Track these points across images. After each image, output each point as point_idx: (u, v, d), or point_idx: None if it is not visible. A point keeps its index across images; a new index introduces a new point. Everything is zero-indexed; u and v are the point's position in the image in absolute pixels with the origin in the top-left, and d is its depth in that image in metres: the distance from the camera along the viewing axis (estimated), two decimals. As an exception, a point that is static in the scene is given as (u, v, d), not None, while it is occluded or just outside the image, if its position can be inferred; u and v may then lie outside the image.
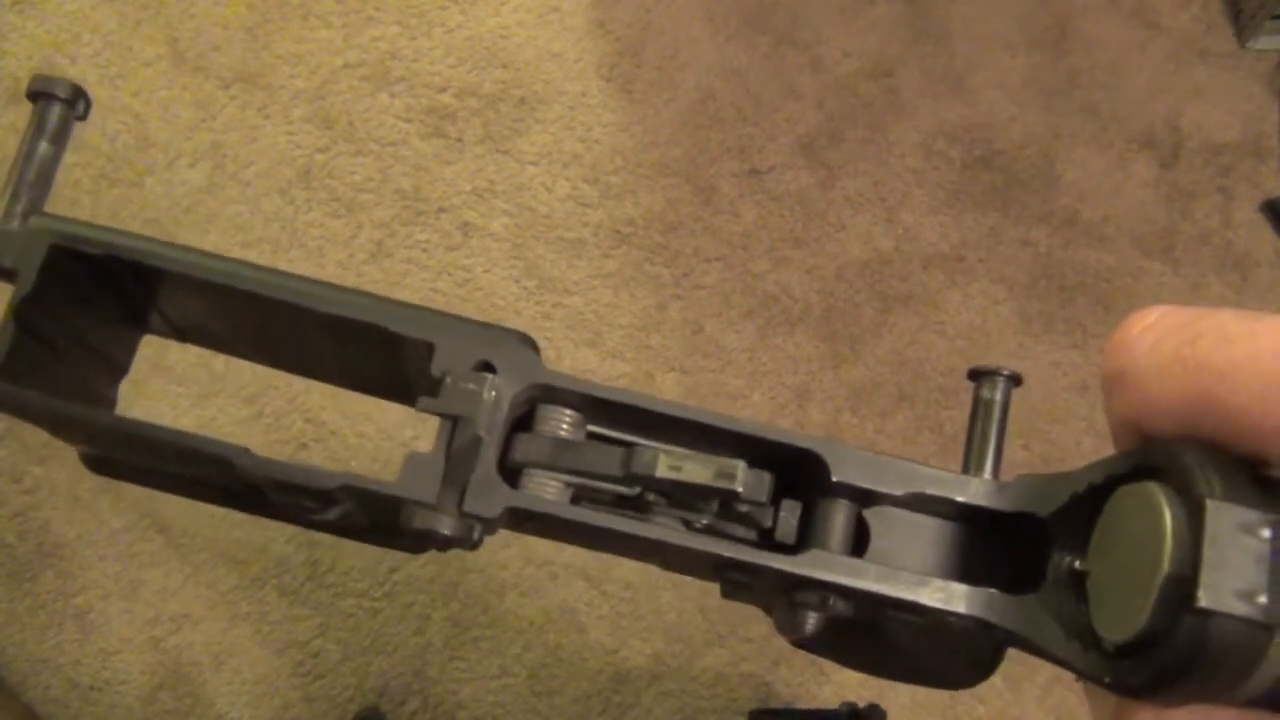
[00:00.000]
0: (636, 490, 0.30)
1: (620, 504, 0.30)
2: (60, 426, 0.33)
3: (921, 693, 1.08)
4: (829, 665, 1.09)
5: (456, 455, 0.29)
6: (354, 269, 1.18)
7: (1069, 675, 0.25)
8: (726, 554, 0.28)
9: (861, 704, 0.97)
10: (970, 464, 0.30)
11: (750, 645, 1.09)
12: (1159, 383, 0.23)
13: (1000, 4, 1.31)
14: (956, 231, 1.23)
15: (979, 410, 0.31)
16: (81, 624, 1.08)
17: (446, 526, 0.28)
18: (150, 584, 1.09)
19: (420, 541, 0.33)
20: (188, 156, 1.21)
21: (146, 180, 1.20)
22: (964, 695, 1.09)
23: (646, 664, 1.08)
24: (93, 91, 1.25)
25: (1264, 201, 1.25)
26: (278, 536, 1.10)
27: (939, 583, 0.28)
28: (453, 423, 0.29)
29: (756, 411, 1.15)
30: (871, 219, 1.23)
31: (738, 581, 0.30)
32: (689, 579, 1.13)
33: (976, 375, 0.32)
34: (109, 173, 1.20)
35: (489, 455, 0.29)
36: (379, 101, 1.24)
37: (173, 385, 1.12)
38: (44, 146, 0.32)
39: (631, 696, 1.08)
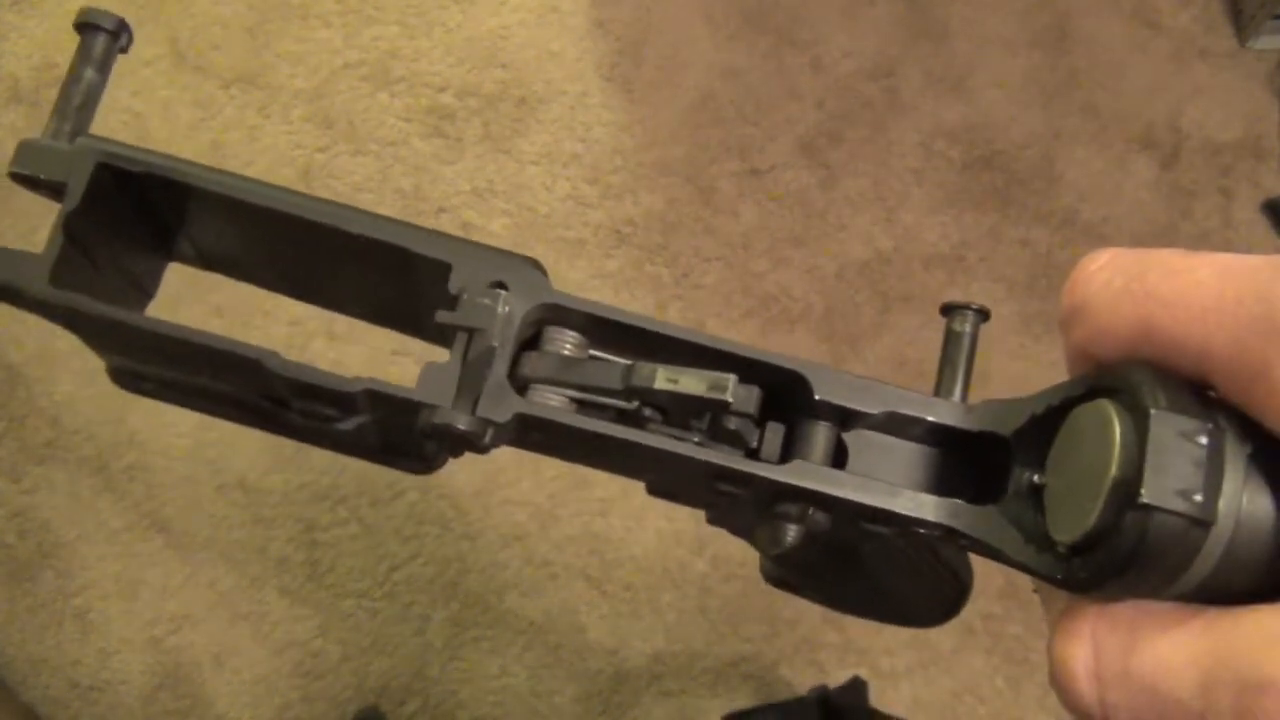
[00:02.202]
0: (635, 404, 0.32)
1: (619, 419, 0.32)
2: (99, 333, 0.35)
3: (922, 692, 1.08)
4: (829, 664, 1.09)
5: (471, 365, 0.31)
6: (354, 269, 1.18)
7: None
8: (718, 461, 0.30)
9: (840, 682, 0.96)
10: (941, 390, 0.33)
11: (750, 645, 1.09)
12: (1110, 313, 0.25)
13: (1000, 4, 1.31)
14: (956, 231, 1.23)
15: (950, 341, 0.33)
16: (81, 624, 1.08)
17: (462, 423, 0.30)
18: (150, 584, 1.09)
19: (429, 456, 0.36)
20: (187, 156, 1.21)
21: (146, 180, 1.20)
22: (964, 695, 1.09)
23: (646, 664, 1.08)
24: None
25: (1264, 201, 1.25)
26: (278, 536, 1.10)
27: (910, 493, 0.30)
28: (468, 335, 0.31)
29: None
30: (871, 219, 1.23)
31: (724, 493, 0.32)
32: (689, 579, 1.12)
33: (948, 310, 0.34)
34: (109, 173, 1.20)
35: (501, 366, 0.31)
36: (379, 101, 1.24)
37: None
38: (89, 74, 0.34)
39: (631, 696, 1.08)
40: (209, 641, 1.08)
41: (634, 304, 1.19)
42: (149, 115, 1.21)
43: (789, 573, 0.46)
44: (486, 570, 1.10)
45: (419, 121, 1.23)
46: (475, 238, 1.25)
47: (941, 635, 1.09)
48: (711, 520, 0.36)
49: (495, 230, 1.20)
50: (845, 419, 0.31)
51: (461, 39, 1.27)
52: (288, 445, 1.12)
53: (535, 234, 1.20)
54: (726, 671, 1.09)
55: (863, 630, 1.08)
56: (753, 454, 0.32)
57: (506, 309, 0.31)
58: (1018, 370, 1.19)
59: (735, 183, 1.23)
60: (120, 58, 0.35)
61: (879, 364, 1.18)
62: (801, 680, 1.08)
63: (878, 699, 0.98)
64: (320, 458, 1.12)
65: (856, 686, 0.94)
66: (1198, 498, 0.23)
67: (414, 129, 1.23)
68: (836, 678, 1.06)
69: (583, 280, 1.19)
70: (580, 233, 1.21)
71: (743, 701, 1.08)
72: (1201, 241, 1.24)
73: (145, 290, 0.39)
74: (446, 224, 1.20)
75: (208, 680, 1.07)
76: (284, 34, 1.26)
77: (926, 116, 1.26)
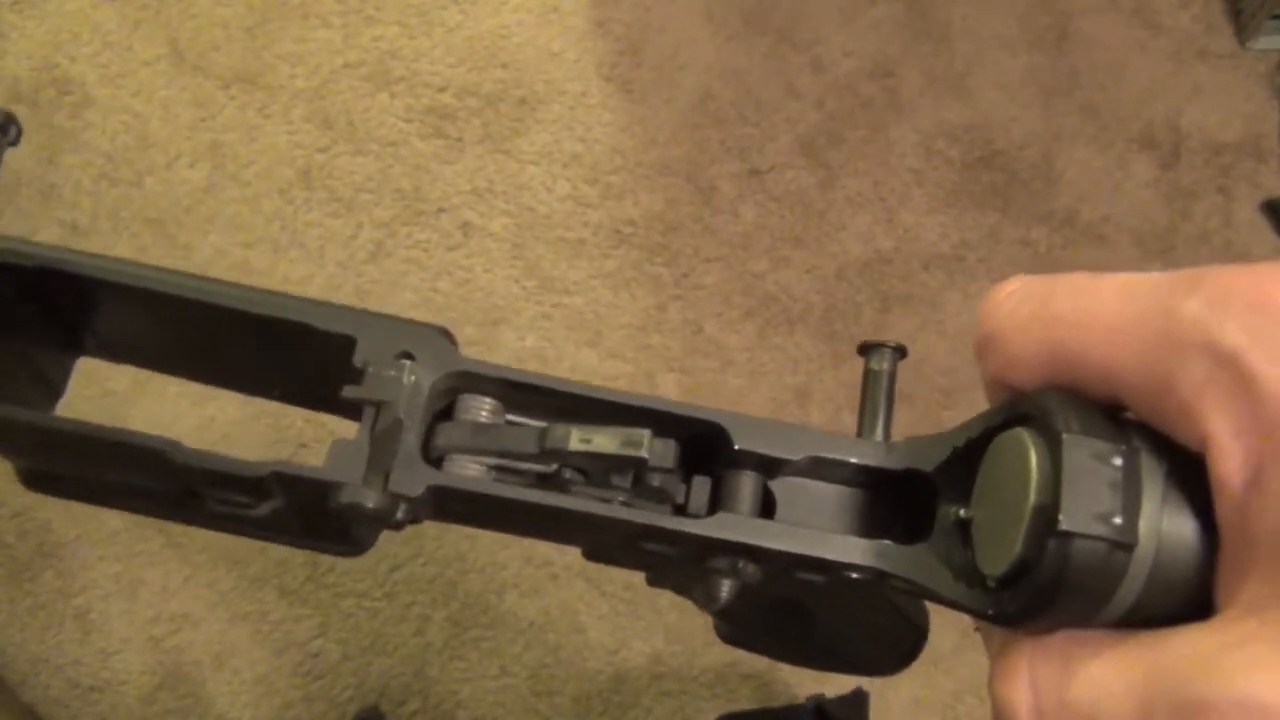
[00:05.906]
0: (554, 467, 0.31)
1: (540, 484, 0.31)
2: None
3: (922, 692, 1.08)
4: (829, 665, 1.09)
5: (379, 440, 0.30)
6: (354, 269, 1.18)
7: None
8: (640, 520, 0.30)
9: (841, 693, 0.95)
10: (863, 430, 0.32)
11: (750, 645, 1.09)
12: (1020, 340, 0.25)
13: (1000, 4, 1.31)
14: (956, 231, 1.23)
15: (869, 380, 0.33)
16: (81, 624, 1.08)
17: (371, 500, 0.30)
18: (150, 584, 1.09)
19: (352, 534, 0.34)
20: (188, 156, 1.21)
21: (146, 180, 1.20)
22: (964, 695, 1.09)
23: (646, 664, 1.08)
24: (93, 91, 1.26)
25: (1264, 201, 1.25)
26: (278, 536, 1.10)
27: (837, 538, 0.29)
28: (375, 409, 0.31)
29: (758, 411, 1.15)
30: (871, 219, 1.23)
31: (655, 553, 0.31)
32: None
33: (866, 349, 0.34)
34: (109, 173, 1.20)
35: (410, 438, 0.30)
36: (379, 101, 1.24)
37: (171, 386, 1.12)
38: None
39: (631, 696, 1.08)
40: (209, 641, 1.08)
41: (634, 304, 1.19)
42: (149, 115, 1.21)
43: (738, 630, 0.45)
44: (486, 570, 1.10)
45: (419, 121, 1.23)
46: (475, 238, 1.25)
47: (941, 635, 1.09)
48: (651, 582, 0.35)
49: (495, 230, 1.20)
50: (769, 467, 0.31)
51: (461, 39, 1.27)
52: (288, 445, 1.12)
53: (535, 234, 1.20)
54: (726, 671, 1.09)
55: (863, 630, 1.08)
56: (680, 510, 0.31)
57: (413, 379, 0.31)
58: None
59: (735, 183, 1.23)
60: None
61: (879, 364, 1.18)
62: (801, 680, 1.08)
63: (878, 699, 0.98)
64: (321, 456, 1.11)
65: (858, 698, 0.93)
66: (1117, 520, 0.22)
67: (414, 129, 1.23)
68: (837, 680, 1.06)
69: (583, 280, 1.19)
70: (580, 233, 1.20)
71: (742, 702, 1.08)
72: (1202, 242, 1.24)
73: (54, 387, 0.37)
74: (446, 224, 1.20)
75: (208, 680, 1.07)
76: (284, 34, 1.26)
77: (926, 116, 1.26)
